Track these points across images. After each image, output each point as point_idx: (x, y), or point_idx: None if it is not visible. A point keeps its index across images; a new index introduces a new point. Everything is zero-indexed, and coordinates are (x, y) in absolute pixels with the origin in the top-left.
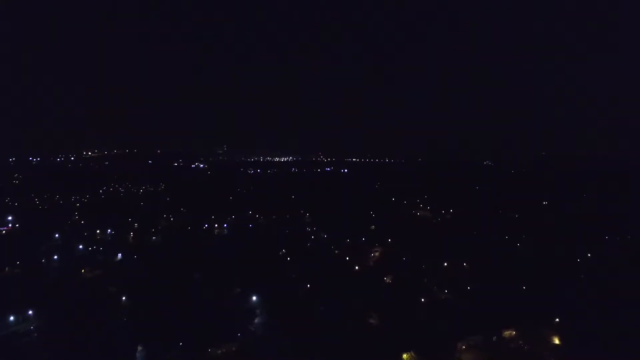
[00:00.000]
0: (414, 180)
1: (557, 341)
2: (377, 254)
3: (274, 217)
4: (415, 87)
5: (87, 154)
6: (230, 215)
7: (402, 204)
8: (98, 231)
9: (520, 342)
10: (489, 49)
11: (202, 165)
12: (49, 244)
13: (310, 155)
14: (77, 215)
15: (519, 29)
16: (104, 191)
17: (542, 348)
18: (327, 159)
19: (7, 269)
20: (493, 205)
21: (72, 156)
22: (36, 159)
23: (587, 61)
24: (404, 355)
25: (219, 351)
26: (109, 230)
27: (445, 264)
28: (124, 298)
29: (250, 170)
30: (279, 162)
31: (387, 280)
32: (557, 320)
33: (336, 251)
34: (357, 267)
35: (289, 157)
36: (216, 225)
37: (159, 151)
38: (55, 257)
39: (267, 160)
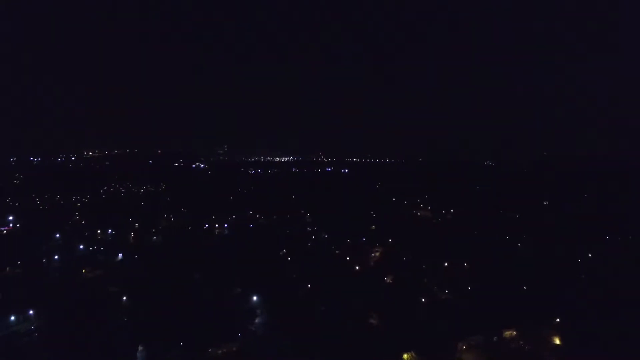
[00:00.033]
0: (415, 180)
1: (557, 341)
2: (377, 254)
3: (274, 217)
4: (415, 87)
5: (87, 154)
6: (231, 215)
7: (403, 204)
8: (99, 231)
9: (521, 342)
10: (489, 49)
11: (202, 165)
12: (49, 244)
13: (310, 155)
14: (77, 215)
15: (519, 29)
16: (105, 191)
17: (542, 348)
18: (327, 159)
19: (7, 269)
20: (493, 205)
21: (73, 156)
22: (37, 159)
23: (587, 61)
24: (405, 356)
25: (220, 351)
26: (109, 230)
27: (446, 264)
28: (124, 298)
29: (251, 170)
30: (280, 162)
31: (388, 280)
32: (558, 320)
33: (337, 251)
34: (357, 267)
35: (289, 157)
36: (217, 225)
37: (159, 151)
38: (56, 257)
39: (268, 160)
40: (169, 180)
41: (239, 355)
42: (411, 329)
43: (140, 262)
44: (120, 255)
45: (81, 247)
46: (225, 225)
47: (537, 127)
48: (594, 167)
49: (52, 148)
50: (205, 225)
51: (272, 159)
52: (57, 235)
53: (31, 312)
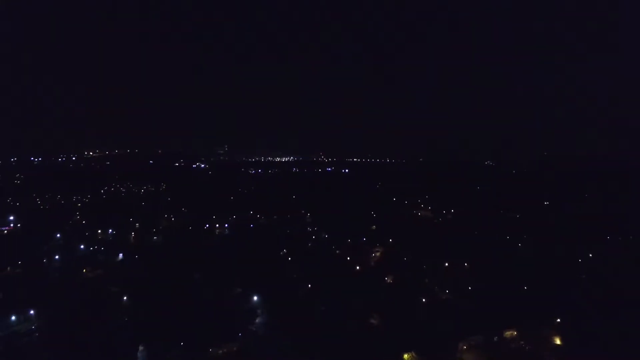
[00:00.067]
0: (415, 180)
1: (558, 341)
2: (378, 254)
3: (275, 217)
4: (415, 87)
5: (88, 154)
6: (232, 215)
7: (403, 204)
8: (99, 231)
9: (522, 342)
10: (489, 49)
11: (203, 165)
12: (50, 243)
13: (311, 155)
14: (78, 215)
15: (519, 29)
16: (105, 191)
17: (543, 348)
18: (327, 159)
19: (8, 268)
20: (494, 205)
21: (74, 156)
22: (37, 159)
23: (587, 61)
24: (405, 356)
25: (220, 351)
26: (110, 230)
27: (446, 264)
28: (125, 298)
29: (252, 170)
30: (280, 162)
31: (388, 280)
32: (559, 320)
33: (337, 251)
34: (358, 267)
35: (289, 157)
36: (217, 225)
37: (160, 151)
38: (57, 257)
39: (268, 160)
40: (170, 180)
41: (239, 355)
42: (411, 329)
43: (141, 262)
44: (120, 255)
45: (82, 247)
46: (226, 225)
47: (537, 127)
48: (593, 167)
49: (53, 148)
50: (205, 225)
51: (273, 159)
52: (58, 235)
53: (32, 312)
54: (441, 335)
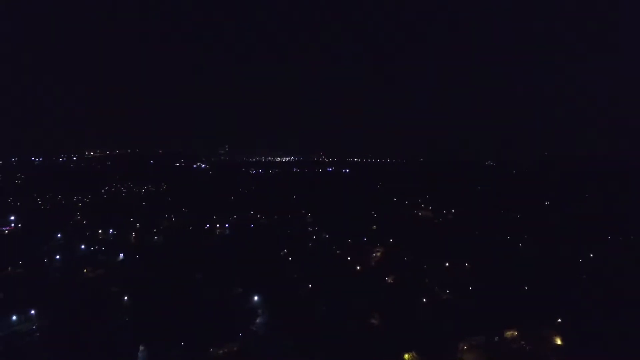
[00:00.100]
0: (416, 180)
1: (559, 342)
2: (378, 254)
3: (275, 217)
4: (415, 87)
5: (89, 154)
6: (232, 215)
7: (404, 204)
8: (100, 231)
9: (522, 342)
10: (489, 49)
11: (203, 165)
12: (51, 243)
13: (311, 155)
14: (79, 215)
15: (519, 29)
16: (106, 191)
17: (544, 348)
18: (328, 159)
19: (9, 268)
20: (494, 205)
21: (74, 156)
22: (38, 159)
23: (587, 61)
24: (406, 356)
25: (221, 351)
26: (111, 230)
27: (447, 264)
28: (125, 298)
29: (252, 171)
30: (281, 162)
31: (389, 280)
32: (559, 320)
33: (338, 251)
34: (358, 267)
35: (290, 157)
36: (218, 225)
37: (160, 151)
38: (58, 257)
39: (269, 160)
40: (170, 180)
41: (240, 355)
42: (412, 329)
43: (142, 262)
44: (121, 255)
45: (82, 247)
46: (227, 225)
47: (537, 127)
48: (595, 167)
49: (53, 148)
50: (206, 225)
51: (273, 159)
52: (59, 235)
53: (32, 311)
54: (442, 335)
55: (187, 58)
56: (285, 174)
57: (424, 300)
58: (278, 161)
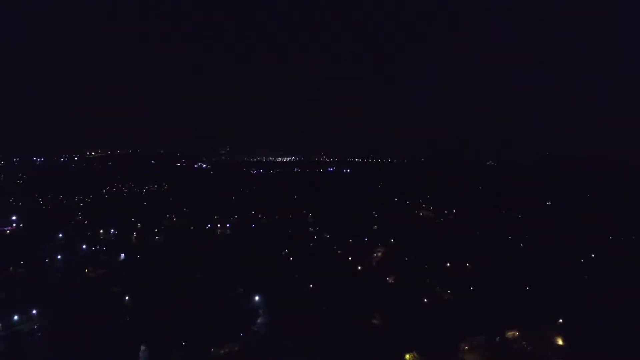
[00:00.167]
0: (417, 180)
1: (560, 342)
2: (379, 254)
3: (276, 217)
4: (415, 87)
5: (90, 154)
6: (233, 215)
7: (405, 204)
8: (101, 231)
9: (524, 342)
10: (489, 49)
11: (204, 165)
12: (52, 243)
13: (312, 155)
14: (80, 215)
15: (519, 29)
16: (107, 191)
17: (545, 349)
18: (329, 159)
19: (10, 268)
20: (496, 205)
21: (76, 156)
22: (40, 159)
23: (587, 61)
24: (407, 356)
25: (222, 351)
26: (112, 230)
27: (448, 264)
28: (126, 298)
29: (253, 171)
30: (282, 162)
31: (390, 281)
32: (561, 320)
33: (339, 251)
34: (359, 267)
35: (291, 157)
36: (219, 225)
37: (161, 151)
38: (59, 256)
39: (270, 160)
40: (171, 180)
41: (240, 355)
42: (413, 329)
43: (143, 262)
44: (122, 255)
45: (84, 246)
46: (227, 225)
47: (538, 127)
48: (596, 167)
49: (55, 148)
50: (207, 225)
51: (274, 159)
52: (60, 235)
53: (34, 311)
54: (443, 335)
55: (187, 58)
56: (286, 174)
57: (425, 300)
58: (279, 161)
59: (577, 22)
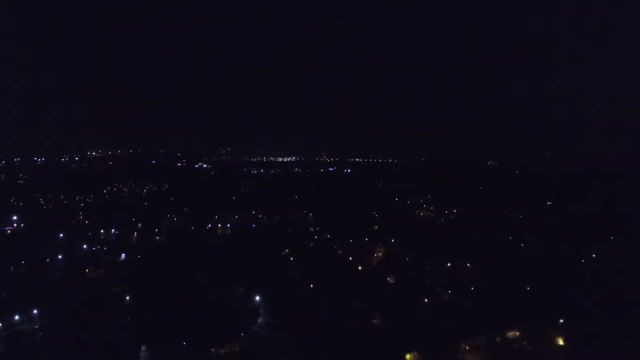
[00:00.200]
0: (417, 181)
1: (561, 342)
2: (380, 254)
3: (277, 217)
4: (415, 87)
5: (91, 154)
6: (234, 216)
7: (405, 204)
8: (102, 231)
9: (524, 342)
10: (489, 49)
11: (205, 166)
12: (53, 243)
13: (313, 155)
14: (81, 215)
15: (519, 29)
16: (108, 191)
17: (545, 349)
18: (329, 159)
19: (12, 268)
20: (496, 205)
21: (76, 156)
22: (40, 159)
23: (587, 61)
24: (407, 356)
25: (222, 351)
26: (112, 230)
27: (449, 264)
28: (127, 298)
29: (254, 171)
30: (282, 162)
31: (390, 281)
32: (561, 321)
33: (339, 251)
34: (360, 267)
35: (291, 157)
36: (219, 225)
37: (162, 151)
38: (60, 256)
39: (270, 160)
40: (172, 181)
41: (241, 355)
42: (414, 329)
43: (143, 262)
44: (123, 255)
45: (84, 246)
46: (228, 225)
47: (538, 127)
48: (594, 167)
49: (56, 148)
50: (208, 225)
51: (275, 159)
52: (61, 235)
53: (35, 311)
54: (443, 335)
55: (187, 58)
56: (287, 174)
57: (426, 300)
58: (279, 161)
59: (577, 22)
